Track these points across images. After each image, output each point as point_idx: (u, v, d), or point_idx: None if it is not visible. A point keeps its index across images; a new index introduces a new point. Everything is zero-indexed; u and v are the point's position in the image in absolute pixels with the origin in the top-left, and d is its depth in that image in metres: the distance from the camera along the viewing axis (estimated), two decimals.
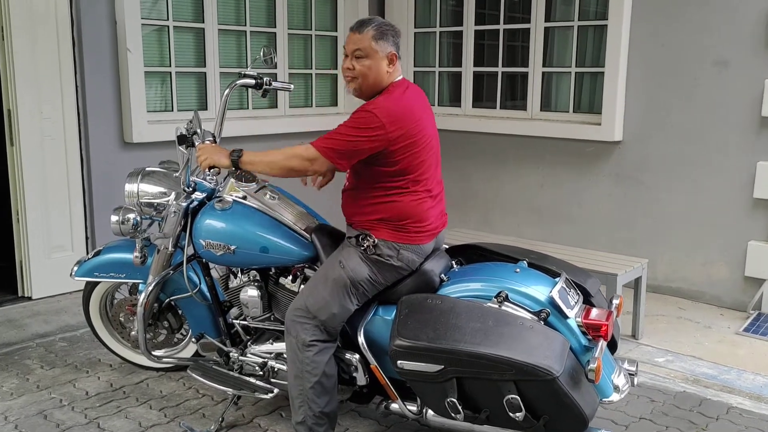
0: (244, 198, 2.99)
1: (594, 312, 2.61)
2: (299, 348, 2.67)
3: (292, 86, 3.39)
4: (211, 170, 2.72)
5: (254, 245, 2.90)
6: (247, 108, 5.65)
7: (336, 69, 6.19)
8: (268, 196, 3.02)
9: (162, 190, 3.15)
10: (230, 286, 3.14)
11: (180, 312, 3.44)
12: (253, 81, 3.16)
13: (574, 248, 4.51)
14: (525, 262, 2.82)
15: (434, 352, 2.44)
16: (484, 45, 5.99)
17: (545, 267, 2.82)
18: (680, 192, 4.82)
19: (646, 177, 4.96)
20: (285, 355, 2.97)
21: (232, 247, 2.89)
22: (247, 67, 3.25)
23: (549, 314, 2.56)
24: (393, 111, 2.58)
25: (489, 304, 2.61)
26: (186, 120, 3.10)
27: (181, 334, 3.54)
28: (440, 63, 6.21)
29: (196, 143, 2.70)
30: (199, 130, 2.75)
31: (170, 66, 5.14)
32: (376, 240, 2.67)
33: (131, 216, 3.06)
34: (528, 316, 2.57)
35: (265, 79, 3.19)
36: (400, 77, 2.74)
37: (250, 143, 5.39)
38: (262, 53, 3.22)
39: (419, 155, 2.65)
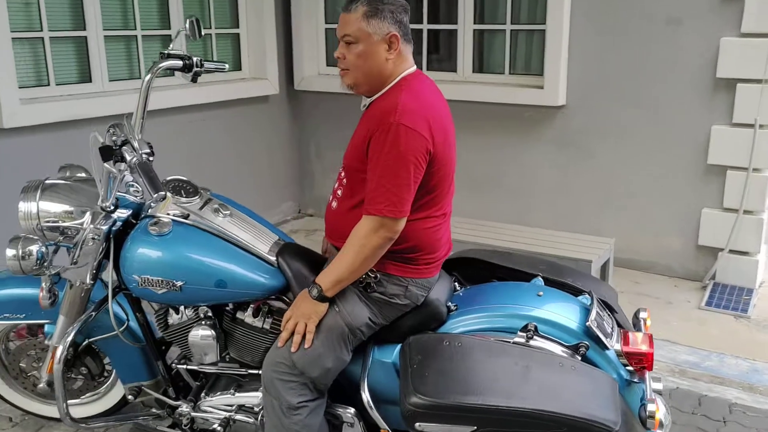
0: (186, 217, 2.35)
1: (632, 337, 2.22)
2: (284, 412, 2.12)
3: (226, 66, 2.73)
4: None
5: (208, 279, 2.28)
6: (138, 77, 4.80)
7: (237, 27, 5.43)
8: (217, 212, 2.39)
9: (68, 208, 2.44)
10: (170, 323, 2.50)
11: (99, 352, 2.77)
12: (180, 62, 2.50)
13: (525, 228, 4.16)
14: (540, 278, 2.39)
15: (464, 412, 1.96)
16: None
17: (561, 281, 2.40)
18: (629, 159, 4.55)
19: (591, 144, 4.65)
20: (252, 407, 2.44)
21: (179, 284, 2.26)
22: (171, 47, 2.54)
23: (588, 348, 2.14)
24: (425, 116, 2.04)
25: (515, 339, 2.16)
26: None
27: (103, 376, 2.87)
28: None
29: (128, 157, 2.01)
30: (135, 139, 2.04)
31: (41, 30, 4.22)
32: (380, 275, 2.13)
33: (34, 248, 2.32)
34: (563, 351, 2.15)
35: (195, 59, 2.52)
36: (412, 68, 2.17)
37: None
38: (187, 24, 2.55)
39: (444, 168, 2.12)
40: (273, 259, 2.35)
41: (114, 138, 2.13)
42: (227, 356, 2.49)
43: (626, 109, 4.49)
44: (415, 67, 2.17)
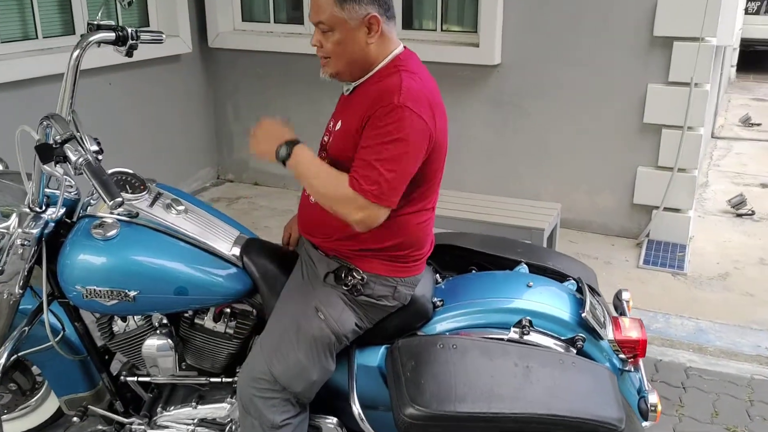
0: (135, 216, 2.05)
1: (624, 324, 2.14)
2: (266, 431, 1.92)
3: (163, 35, 2.39)
4: None
5: (166, 287, 2.01)
6: (35, 37, 4.27)
7: None
8: (170, 208, 2.11)
9: None
10: (116, 331, 2.22)
11: (27, 362, 2.47)
12: (112, 34, 2.16)
13: (470, 195, 4.04)
14: (524, 265, 2.26)
15: (466, 421, 1.83)
16: None
17: (543, 266, 2.29)
18: (565, 118, 4.49)
19: (527, 103, 4.56)
20: (215, 419, 2.22)
21: (132, 294, 1.98)
22: (98, 15, 2.19)
23: (585, 340, 2.05)
24: (428, 99, 1.84)
25: (510, 335, 2.03)
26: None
27: (35, 388, 2.56)
28: None
29: (72, 156, 1.69)
30: (82, 137, 1.71)
31: None
32: (366, 276, 1.93)
33: None
34: (558, 345, 2.04)
35: (129, 30, 2.18)
36: (400, 47, 1.94)
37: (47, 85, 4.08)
38: None
39: (441, 156, 1.94)
40: (237, 258, 2.11)
41: (48, 131, 1.80)
42: (184, 364, 2.25)
43: (562, 68, 4.40)
44: (402, 45, 1.95)
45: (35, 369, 2.55)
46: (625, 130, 4.36)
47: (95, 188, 1.67)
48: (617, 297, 2.35)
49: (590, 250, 4.37)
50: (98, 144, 1.76)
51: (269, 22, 5.26)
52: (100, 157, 1.74)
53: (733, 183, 5.71)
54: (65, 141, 1.68)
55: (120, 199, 1.66)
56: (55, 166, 1.73)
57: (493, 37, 4.44)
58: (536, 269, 2.27)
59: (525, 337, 2.02)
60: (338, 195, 1.80)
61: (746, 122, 7.64)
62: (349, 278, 1.93)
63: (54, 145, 1.69)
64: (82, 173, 1.69)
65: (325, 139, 2.03)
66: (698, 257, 4.27)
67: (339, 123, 1.96)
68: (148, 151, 4.94)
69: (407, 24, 4.87)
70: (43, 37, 4.28)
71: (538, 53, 4.44)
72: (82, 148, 1.68)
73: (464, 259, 2.34)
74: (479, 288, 2.16)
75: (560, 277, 2.26)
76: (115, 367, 2.39)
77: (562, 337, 2.05)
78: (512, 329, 2.03)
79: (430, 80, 1.93)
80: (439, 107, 1.89)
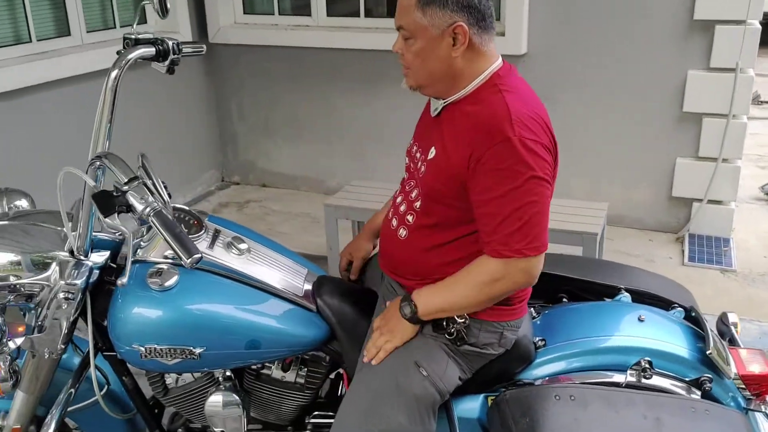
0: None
1: (745, 357, 1.92)
2: None
3: (204, 48, 2.11)
4: None
5: (236, 342, 1.75)
6: (28, 41, 3.94)
7: None
8: (230, 248, 1.84)
9: (14, 258, 1.80)
10: (170, 385, 1.96)
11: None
12: (152, 49, 1.89)
13: None
14: (626, 293, 2.03)
15: None
16: None
17: (641, 291, 2.05)
18: (598, 109, 4.25)
19: (557, 94, 4.30)
20: None
21: (198, 351, 1.72)
22: (133, 27, 1.91)
23: (712, 381, 1.83)
24: (543, 124, 1.62)
25: (627, 378, 1.80)
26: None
27: None
28: None
29: (139, 206, 1.40)
30: (155, 184, 1.43)
31: None
32: (470, 322, 1.69)
33: None
34: (681, 388, 1.82)
35: (170, 43, 1.91)
36: (499, 61, 1.68)
37: (37, 94, 3.76)
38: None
39: (555, 182, 1.71)
40: (311, 301, 1.85)
41: (100, 174, 1.53)
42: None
43: (594, 55, 4.16)
44: (501, 59, 1.69)
45: (70, 421, 2.29)
46: (662, 119, 4.14)
47: (168, 244, 1.40)
48: (722, 321, 2.13)
49: (629, 247, 4.16)
50: (166, 188, 1.48)
51: (273, 14, 4.94)
52: (170, 204, 1.47)
53: (758, 167, 5.53)
54: (129, 187, 1.40)
55: (199, 256, 1.40)
56: (117, 216, 1.45)
57: (519, 24, 4.18)
58: (633, 294, 2.04)
59: (645, 381, 1.80)
60: (492, 280, 1.60)
61: (756, 100, 7.46)
62: (452, 326, 1.69)
63: (115, 193, 1.42)
64: (148, 224, 1.43)
65: (412, 166, 1.78)
66: (743, 251, 4.08)
67: (433, 150, 1.70)
68: (148, 154, 4.62)
69: None
70: (38, 41, 3.94)
71: (568, 40, 4.19)
72: (152, 195, 1.41)
73: (551, 284, 2.10)
74: (583, 323, 1.92)
75: (662, 303, 2.03)
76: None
77: (686, 379, 1.82)
78: (629, 371, 1.81)
79: (533, 97, 1.68)
80: (551, 126, 1.65)
